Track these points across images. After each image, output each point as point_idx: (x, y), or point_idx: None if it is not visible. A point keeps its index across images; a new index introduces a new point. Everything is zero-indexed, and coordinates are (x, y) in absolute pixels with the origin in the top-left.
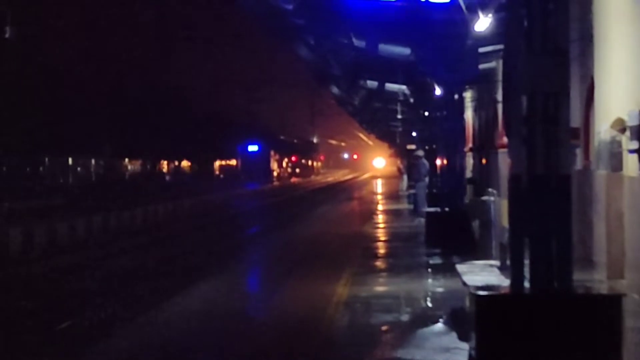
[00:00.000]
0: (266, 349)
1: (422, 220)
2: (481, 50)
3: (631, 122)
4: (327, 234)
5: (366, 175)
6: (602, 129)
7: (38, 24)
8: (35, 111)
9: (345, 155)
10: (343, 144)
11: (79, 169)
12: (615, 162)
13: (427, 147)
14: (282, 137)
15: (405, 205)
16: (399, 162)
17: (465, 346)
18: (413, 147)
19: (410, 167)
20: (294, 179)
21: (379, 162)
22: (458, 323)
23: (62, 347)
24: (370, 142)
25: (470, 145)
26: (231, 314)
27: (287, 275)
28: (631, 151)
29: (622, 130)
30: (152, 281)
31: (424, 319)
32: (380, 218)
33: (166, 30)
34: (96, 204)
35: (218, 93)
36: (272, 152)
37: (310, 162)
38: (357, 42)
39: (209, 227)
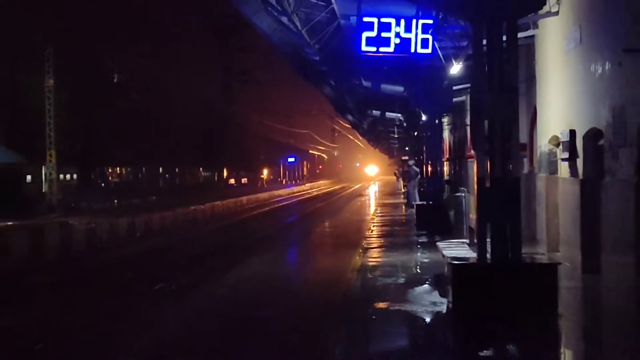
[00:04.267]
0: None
1: (413, 210)
2: (455, 88)
3: (563, 138)
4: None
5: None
6: (543, 144)
7: (135, 72)
8: (139, 135)
9: (357, 164)
10: (360, 155)
11: (167, 175)
12: (552, 167)
13: (416, 158)
14: (310, 152)
15: (400, 200)
16: (395, 168)
17: (444, 301)
18: (406, 157)
19: (404, 172)
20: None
21: (371, 170)
22: (439, 284)
23: (165, 297)
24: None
25: (447, 156)
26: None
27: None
28: (563, 159)
29: (557, 144)
30: (227, 253)
31: (415, 281)
32: (383, 208)
33: (230, 75)
34: (180, 200)
35: (262, 119)
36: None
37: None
38: (366, 83)
39: (262, 215)
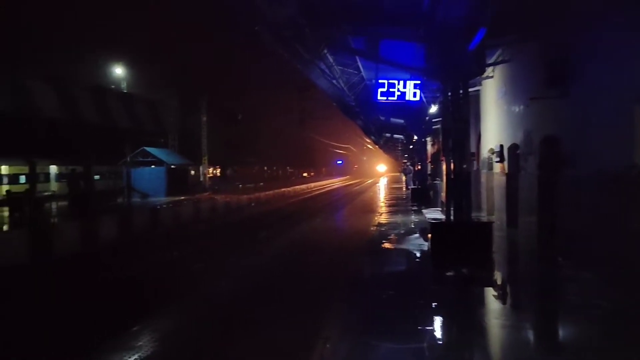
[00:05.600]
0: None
1: (409, 191)
2: (433, 120)
3: (496, 149)
4: (370, 190)
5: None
6: (484, 153)
7: (249, 111)
8: (253, 147)
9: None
10: (374, 158)
11: (268, 170)
12: (490, 166)
13: (411, 161)
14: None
15: (402, 185)
16: (399, 167)
17: (426, 243)
18: (405, 160)
19: (404, 169)
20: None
21: (382, 167)
22: (424, 233)
23: (260, 242)
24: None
25: (429, 159)
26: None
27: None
28: (496, 161)
29: (492, 153)
30: (301, 214)
31: (409, 231)
32: (391, 190)
33: (303, 112)
34: (276, 185)
35: (321, 138)
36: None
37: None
38: (382, 117)
39: (322, 193)
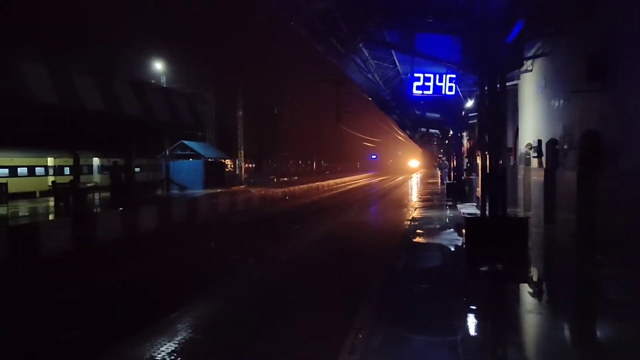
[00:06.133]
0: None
1: (444, 186)
2: (470, 115)
3: (534, 144)
4: (403, 186)
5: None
6: (522, 148)
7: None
8: (288, 141)
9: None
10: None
11: (303, 164)
12: (527, 161)
13: (447, 155)
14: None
15: (437, 180)
16: (434, 162)
17: (460, 238)
18: (441, 155)
19: (439, 164)
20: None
21: (416, 162)
22: (458, 229)
23: (302, 229)
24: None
25: (466, 154)
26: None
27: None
28: (534, 157)
29: (530, 148)
30: (335, 208)
31: (444, 226)
32: (426, 185)
33: (339, 108)
34: (310, 179)
35: (357, 132)
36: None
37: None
38: (418, 111)
39: (356, 187)
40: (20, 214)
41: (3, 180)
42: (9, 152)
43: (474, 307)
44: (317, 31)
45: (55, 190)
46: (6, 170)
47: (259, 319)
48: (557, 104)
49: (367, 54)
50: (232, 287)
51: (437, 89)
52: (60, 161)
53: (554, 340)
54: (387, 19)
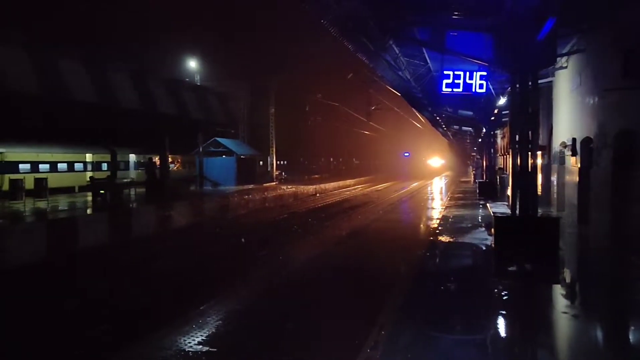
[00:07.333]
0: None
1: (477, 185)
2: (503, 112)
3: (568, 143)
4: (435, 185)
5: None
6: (556, 146)
7: (315, 104)
8: (319, 139)
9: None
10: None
11: (334, 162)
12: (561, 160)
13: (480, 154)
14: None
15: (470, 178)
16: (467, 160)
17: (490, 237)
18: (474, 153)
19: (472, 162)
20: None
21: (447, 160)
22: (489, 227)
23: (330, 225)
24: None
25: (499, 152)
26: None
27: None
28: (567, 155)
29: (564, 146)
30: (362, 206)
31: (474, 225)
32: (459, 184)
33: (370, 105)
34: (340, 177)
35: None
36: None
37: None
38: (450, 109)
39: (386, 187)
40: (60, 207)
41: (44, 176)
42: (50, 148)
43: (495, 305)
44: (347, 29)
45: (92, 185)
46: (47, 166)
47: (293, 303)
48: (591, 102)
49: (397, 52)
50: (269, 272)
51: (467, 86)
52: (98, 157)
53: (580, 341)
54: (417, 15)
